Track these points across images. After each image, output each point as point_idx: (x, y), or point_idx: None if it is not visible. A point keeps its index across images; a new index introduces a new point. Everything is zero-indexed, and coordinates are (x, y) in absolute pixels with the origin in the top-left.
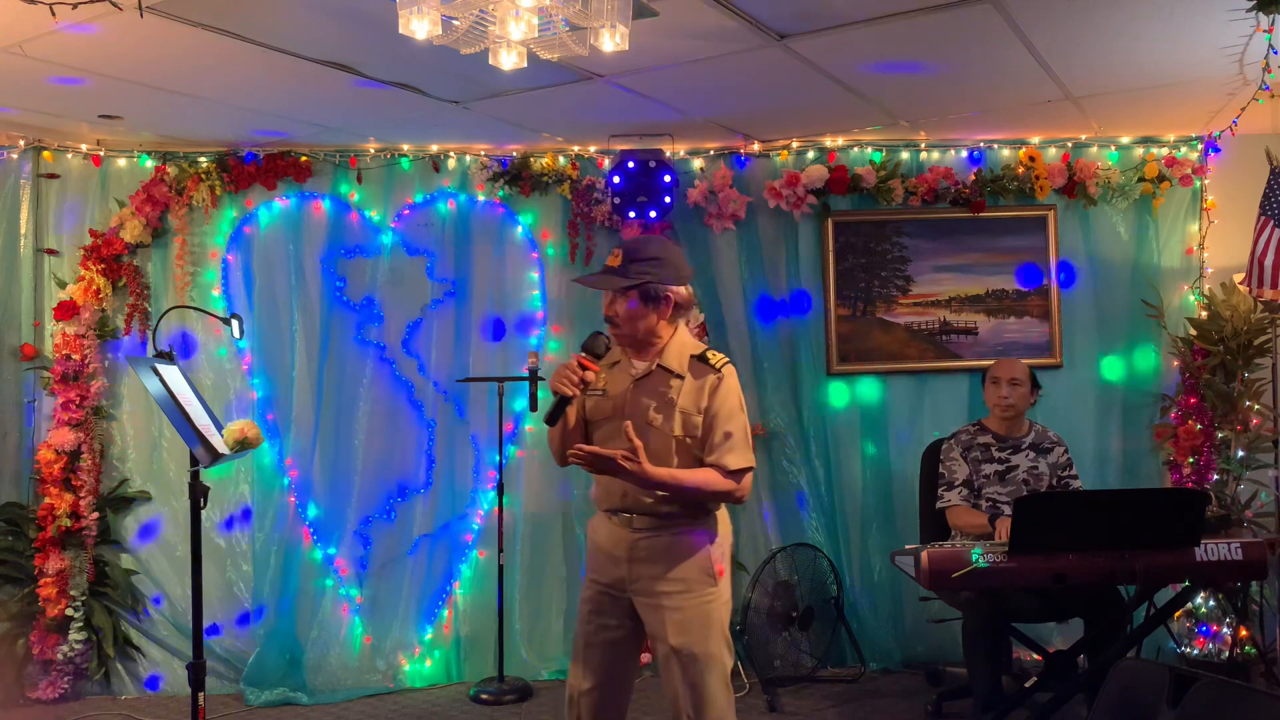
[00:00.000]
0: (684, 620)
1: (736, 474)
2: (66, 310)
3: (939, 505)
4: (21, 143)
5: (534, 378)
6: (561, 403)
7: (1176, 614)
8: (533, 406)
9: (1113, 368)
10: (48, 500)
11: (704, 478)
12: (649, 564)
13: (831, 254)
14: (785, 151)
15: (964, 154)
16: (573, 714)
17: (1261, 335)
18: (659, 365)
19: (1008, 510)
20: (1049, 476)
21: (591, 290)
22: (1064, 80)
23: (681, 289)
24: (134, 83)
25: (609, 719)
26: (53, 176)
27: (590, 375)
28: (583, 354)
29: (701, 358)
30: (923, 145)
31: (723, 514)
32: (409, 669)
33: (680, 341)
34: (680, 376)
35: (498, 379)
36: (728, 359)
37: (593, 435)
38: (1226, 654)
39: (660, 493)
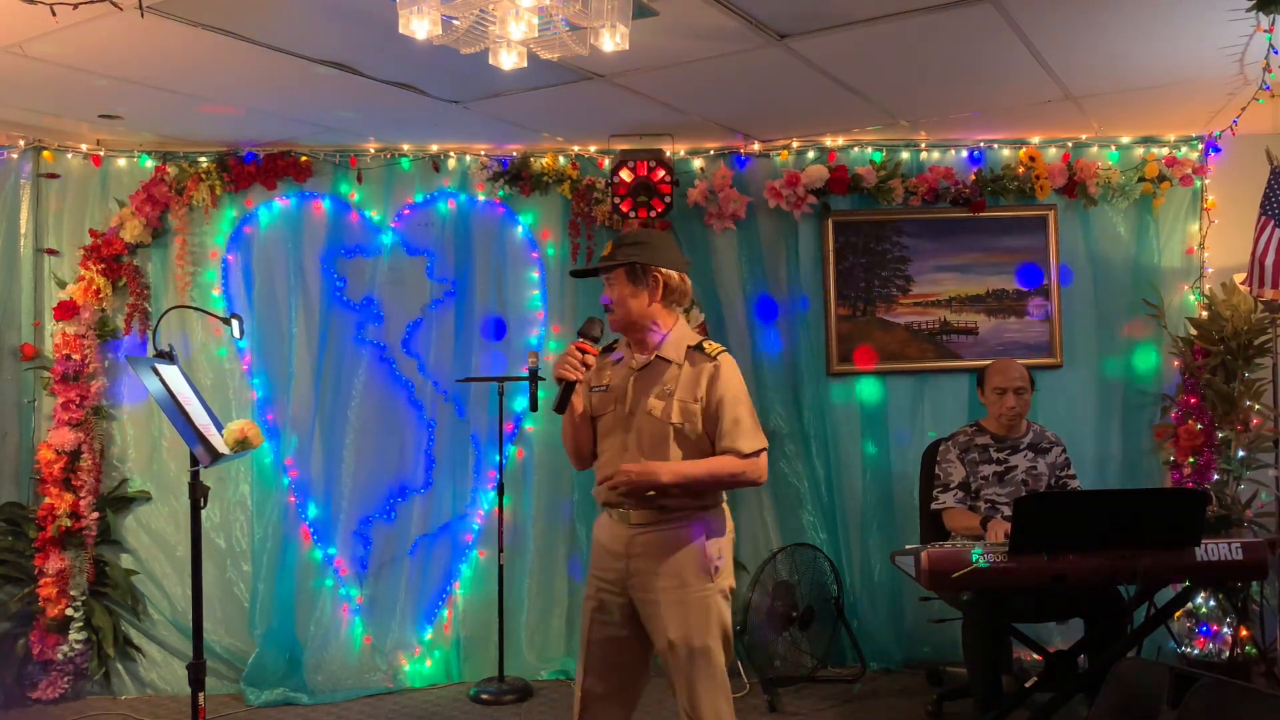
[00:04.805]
0: (683, 613)
1: (750, 456)
2: (66, 310)
3: (934, 507)
4: (21, 143)
5: (534, 378)
6: (567, 388)
7: (1176, 614)
8: (533, 406)
9: (1113, 368)
10: (48, 500)
11: (716, 465)
12: (646, 558)
13: (831, 254)
14: (785, 151)
15: (964, 154)
16: (583, 717)
17: (1262, 335)
18: (658, 356)
19: (1006, 511)
20: (1047, 476)
21: (592, 290)
22: (1064, 80)
23: (672, 273)
24: (134, 83)
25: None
26: (53, 176)
27: (590, 359)
28: (581, 339)
29: (698, 347)
30: (923, 145)
31: (726, 509)
32: (409, 669)
33: (680, 333)
34: (679, 365)
35: (498, 379)
36: (724, 348)
37: (597, 429)
38: (1226, 654)
39: (673, 491)
